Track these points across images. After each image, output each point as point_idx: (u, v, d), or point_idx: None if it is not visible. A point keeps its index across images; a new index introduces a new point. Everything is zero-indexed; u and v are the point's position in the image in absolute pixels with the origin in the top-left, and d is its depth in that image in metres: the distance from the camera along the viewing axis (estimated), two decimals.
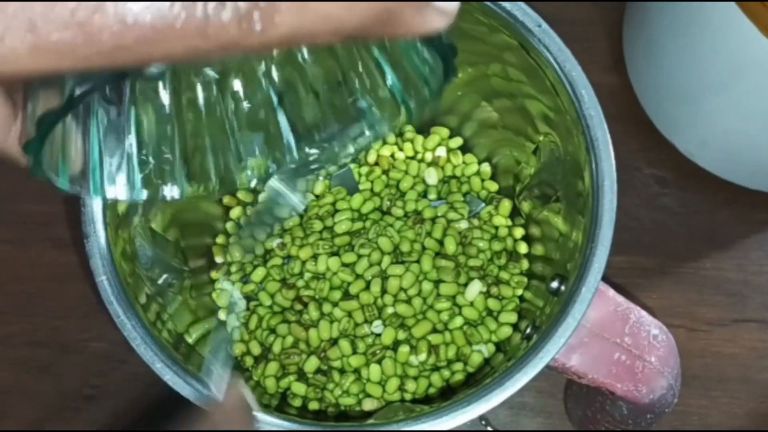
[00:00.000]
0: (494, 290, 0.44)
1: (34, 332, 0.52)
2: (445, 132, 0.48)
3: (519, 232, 0.46)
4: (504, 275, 0.44)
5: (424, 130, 0.48)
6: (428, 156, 0.48)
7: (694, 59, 0.47)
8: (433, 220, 0.45)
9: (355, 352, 0.42)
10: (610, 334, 0.35)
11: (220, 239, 0.47)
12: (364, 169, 0.48)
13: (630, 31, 0.53)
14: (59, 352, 0.51)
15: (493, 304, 0.44)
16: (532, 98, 0.40)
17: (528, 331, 0.38)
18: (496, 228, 0.46)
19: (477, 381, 0.39)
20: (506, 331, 0.43)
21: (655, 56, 0.50)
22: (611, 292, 0.36)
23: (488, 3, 0.36)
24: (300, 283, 0.44)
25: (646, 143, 0.53)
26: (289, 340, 0.43)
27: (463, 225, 0.45)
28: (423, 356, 0.42)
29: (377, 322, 0.43)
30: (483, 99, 0.44)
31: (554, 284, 0.37)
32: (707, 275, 0.52)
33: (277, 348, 0.43)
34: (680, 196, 0.53)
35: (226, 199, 0.47)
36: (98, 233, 0.35)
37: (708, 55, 0.45)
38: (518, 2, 0.36)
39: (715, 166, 0.51)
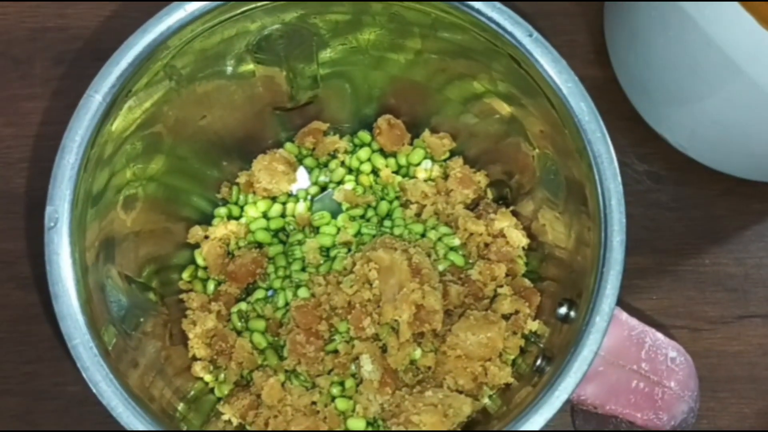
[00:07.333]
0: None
1: (5, 380, 0.48)
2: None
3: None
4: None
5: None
6: (412, 170, 0.45)
7: (682, 51, 0.44)
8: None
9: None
10: (625, 361, 0.33)
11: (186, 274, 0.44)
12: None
13: (611, 22, 0.51)
14: (33, 400, 0.48)
15: None
16: (524, 110, 0.37)
17: (539, 363, 0.36)
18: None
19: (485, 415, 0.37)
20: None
21: (640, 48, 0.48)
22: (624, 315, 0.34)
23: (477, 14, 0.33)
24: None
25: (636, 138, 0.51)
26: None
27: (456, 242, 0.43)
28: None
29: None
30: (469, 111, 0.42)
31: (562, 310, 0.35)
32: (707, 271, 0.50)
33: None
34: (674, 190, 0.51)
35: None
36: (69, 293, 0.32)
37: (698, 45, 0.43)
38: (508, 11, 0.33)
39: (708, 158, 0.49)
